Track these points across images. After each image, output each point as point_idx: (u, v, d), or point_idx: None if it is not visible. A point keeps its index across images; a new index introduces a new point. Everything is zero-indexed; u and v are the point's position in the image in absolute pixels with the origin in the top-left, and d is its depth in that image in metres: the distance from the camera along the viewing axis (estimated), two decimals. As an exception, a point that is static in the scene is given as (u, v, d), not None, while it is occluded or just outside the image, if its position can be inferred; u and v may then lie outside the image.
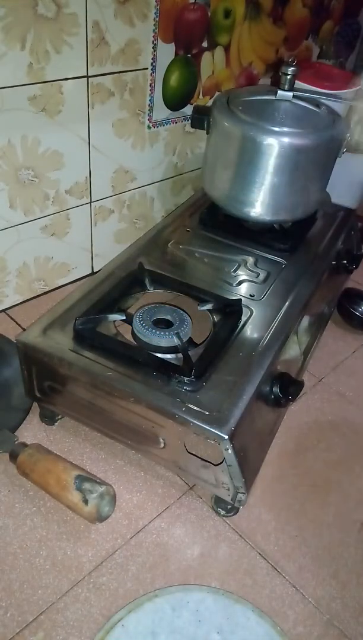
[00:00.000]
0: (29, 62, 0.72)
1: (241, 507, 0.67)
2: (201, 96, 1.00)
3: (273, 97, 0.78)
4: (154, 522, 0.66)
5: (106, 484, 0.64)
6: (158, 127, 0.96)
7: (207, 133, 0.82)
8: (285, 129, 0.74)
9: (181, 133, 1.01)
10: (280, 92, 0.77)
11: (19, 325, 0.91)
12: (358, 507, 0.71)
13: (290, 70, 0.75)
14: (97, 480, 0.64)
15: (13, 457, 0.67)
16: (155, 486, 0.70)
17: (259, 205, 0.79)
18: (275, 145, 0.73)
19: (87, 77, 0.79)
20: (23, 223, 0.86)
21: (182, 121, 0.99)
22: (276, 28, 1.07)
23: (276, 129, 0.73)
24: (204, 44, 0.94)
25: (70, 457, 0.69)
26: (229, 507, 0.67)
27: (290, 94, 0.77)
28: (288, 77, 0.76)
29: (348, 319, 1.00)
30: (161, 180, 1.04)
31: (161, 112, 0.94)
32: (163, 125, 0.96)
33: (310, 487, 0.72)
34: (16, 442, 0.69)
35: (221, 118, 0.77)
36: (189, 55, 0.93)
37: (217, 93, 1.02)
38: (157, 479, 0.71)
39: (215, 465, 0.59)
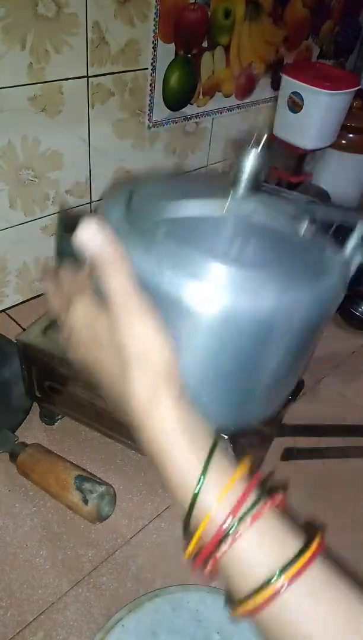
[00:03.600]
0: (29, 62, 0.72)
1: (241, 507, 0.67)
2: (201, 96, 1.00)
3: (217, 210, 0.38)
4: (154, 522, 0.66)
5: (106, 483, 0.64)
6: (158, 127, 0.96)
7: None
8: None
9: (181, 133, 1.01)
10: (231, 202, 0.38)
11: (19, 325, 0.91)
12: (359, 508, 0.71)
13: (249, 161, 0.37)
14: (98, 480, 0.64)
15: (13, 457, 0.67)
16: (155, 486, 0.70)
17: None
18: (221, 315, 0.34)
19: (87, 77, 0.80)
20: (23, 223, 0.86)
21: (182, 121, 0.99)
22: (276, 28, 1.07)
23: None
24: (205, 44, 0.94)
25: (70, 457, 0.69)
26: (229, 507, 0.66)
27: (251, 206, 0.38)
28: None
29: (348, 319, 1.00)
30: (161, 181, 1.04)
31: (161, 112, 0.94)
32: (163, 125, 0.96)
33: (310, 487, 0.72)
34: (16, 442, 0.69)
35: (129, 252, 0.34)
36: (189, 56, 0.93)
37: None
38: (157, 478, 0.71)
39: (215, 465, 0.59)
